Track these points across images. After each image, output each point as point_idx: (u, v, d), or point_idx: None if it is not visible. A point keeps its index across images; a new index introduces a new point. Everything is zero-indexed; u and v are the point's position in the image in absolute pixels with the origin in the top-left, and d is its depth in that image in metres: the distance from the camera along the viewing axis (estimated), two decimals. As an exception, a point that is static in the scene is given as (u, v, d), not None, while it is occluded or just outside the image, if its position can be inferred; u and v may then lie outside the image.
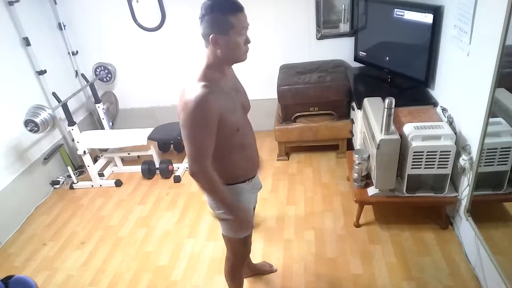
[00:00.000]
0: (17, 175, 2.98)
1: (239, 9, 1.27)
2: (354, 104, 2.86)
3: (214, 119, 1.30)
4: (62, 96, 3.07)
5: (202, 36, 1.32)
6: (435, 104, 2.49)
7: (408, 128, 2.09)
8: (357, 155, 2.36)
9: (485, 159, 1.83)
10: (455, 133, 2.05)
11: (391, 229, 2.40)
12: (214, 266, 2.31)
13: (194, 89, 1.28)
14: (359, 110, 2.67)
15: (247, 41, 1.34)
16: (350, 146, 3.19)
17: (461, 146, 2.04)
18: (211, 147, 1.35)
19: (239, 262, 1.81)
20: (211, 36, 1.27)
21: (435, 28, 2.36)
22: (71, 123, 3.05)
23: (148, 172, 3.30)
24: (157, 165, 3.33)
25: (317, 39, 3.32)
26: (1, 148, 2.87)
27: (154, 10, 3.35)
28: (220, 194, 1.44)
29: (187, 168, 3.33)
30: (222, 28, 1.26)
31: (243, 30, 1.30)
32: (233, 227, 1.58)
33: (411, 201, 2.28)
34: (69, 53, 3.60)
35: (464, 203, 2.06)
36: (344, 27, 3.24)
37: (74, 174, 3.35)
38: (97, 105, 3.51)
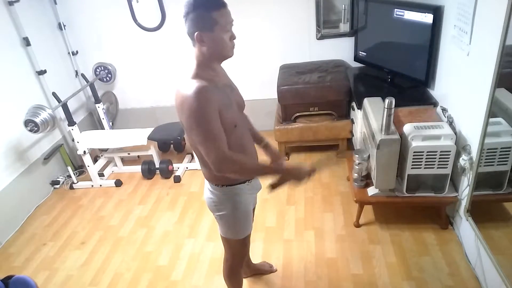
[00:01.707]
0: (17, 175, 2.98)
1: (222, 5, 1.27)
2: (354, 104, 2.86)
3: (215, 108, 1.29)
4: (62, 96, 3.07)
5: (188, 35, 1.31)
6: (435, 104, 2.49)
7: (408, 128, 2.09)
8: (357, 155, 2.36)
9: (485, 159, 1.84)
10: (455, 133, 2.05)
11: (391, 229, 2.40)
12: (214, 266, 2.31)
13: (190, 86, 1.28)
14: (359, 110, 2.67)
15: (233, 37, 1.34)
16: (350, 146, 3.20)
17: (461, 146, 2.04)
18: (223, 134, 1.32)
19: (237, 263, 1.80)
20: (196, 33, 1.27)
21: (435, 28, 2.36)
22: (71, 123, 3.05)
23: (148, 172, 3.30)
24: (157, 165, 3.33)
25: (317, 39, 3.32)
26: (1, 148, 2.87)
27: (154, 10, 3.35)
28: (257, 167, 1.40)
29: (187, 168, 3.36)
30: (206, 25, 1.26)
31: (228, 25, 1.30)
32: (295, 182, 1.48)
33: (411, 201, 2.28)
34: (69, 53, 3.60)
35: (464, 203, 2.06)
36: (344, 27, 3.24)
37: (74, 174, 3.35)
38: (97, 105, 3.51)
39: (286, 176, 1.47)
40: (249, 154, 1.53)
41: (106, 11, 3.42)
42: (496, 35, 1.59)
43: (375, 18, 2.89)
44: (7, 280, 1.74)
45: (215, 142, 1.30)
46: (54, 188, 3.35)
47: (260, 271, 2.21)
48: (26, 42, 3.09)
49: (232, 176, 1.43)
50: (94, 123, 3.95)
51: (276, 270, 2.23)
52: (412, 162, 2.07)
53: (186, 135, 1.44)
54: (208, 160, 1.32)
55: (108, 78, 3.69)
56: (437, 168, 2.08)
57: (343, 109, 3.09)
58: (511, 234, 1.84)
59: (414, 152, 2.04)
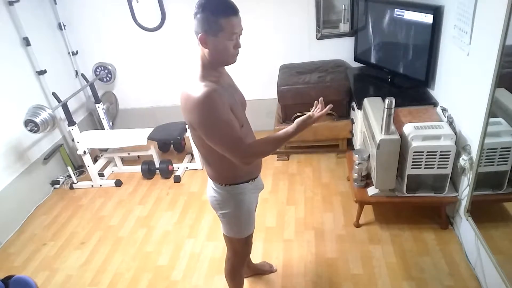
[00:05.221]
0: (17, 175, 2.98)
1: (232, 12, 1.24)
2: (354, 104, 2.86)
3: (227, 107, 1.31)
4: (62, 96, 3.07)
5: (195, 34, 1.30)
6: (435, 104, 2.49)
7: (408, 128, 2.09)
8: (357, 155, 2.37)
9: (485, 159, 1.83)
10: (455, 133, 2.05)
11: (391, 229, 2.40)
12: (214, 266, 2.31)
13: (198, 88, 1.28)
14: (359, 110, 2.67)
15: (237, 46, 1.31)
16: (350, 146, 3.19)
17: (461, 146, 2.04)
18: (239, 129, 1.36)
19: (239, 262, 1.81)
20: (200, 34, 1.26)
21: (435, 28, 2.36)
22: (71, 123, 3.05)
23: (148, 172, 3.30)
24: (157, 165, 3.33)
25: (317, 39, 3.32)
26: (1, 148, 2.87)
27: (154, 10, 3.35)
28: (277, 142, 1.42)
29: (187, 168, 3.36)
30: (211, 29, 1.24)
31: (234, 35, 1.27)
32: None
33: (411, 201, 2.28)
34: (69, 53, 3.60)
35: (464, 203, 2.06)
36: (344, 27, 3.24)
37: (74, 174, 3.35)
38: (97, 105, 3.51)
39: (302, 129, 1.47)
40: None
41: (106, 11, 3.42)
42: (496, 35, 1.59)
43: (375, 18, 2.89)
44: (7, 280, 1.74)
45: (234, 142, 1.32)
46: (54, 188, 3.35)
47: (260, 271, 2.21)
48: (26, 42, 3.09)
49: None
50: (94, 123, 3.95)
51: (276, 270, 2.23)
52: (412, 162, 2.07)
53: (191, 134, 1.44)
54: (232, 158, 1.35)
55: (108, 78, 3.69)
56: (437, 168, 2.08)
57: (343, 109, 3.09)
58: (511, 234, 1.84)
59: (414, 152, 2.04)
